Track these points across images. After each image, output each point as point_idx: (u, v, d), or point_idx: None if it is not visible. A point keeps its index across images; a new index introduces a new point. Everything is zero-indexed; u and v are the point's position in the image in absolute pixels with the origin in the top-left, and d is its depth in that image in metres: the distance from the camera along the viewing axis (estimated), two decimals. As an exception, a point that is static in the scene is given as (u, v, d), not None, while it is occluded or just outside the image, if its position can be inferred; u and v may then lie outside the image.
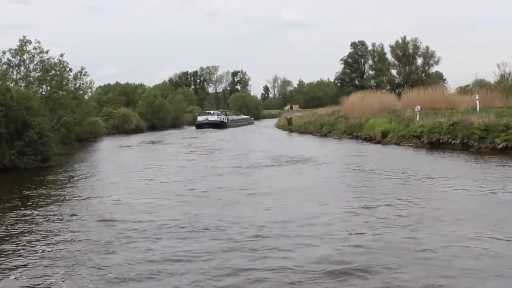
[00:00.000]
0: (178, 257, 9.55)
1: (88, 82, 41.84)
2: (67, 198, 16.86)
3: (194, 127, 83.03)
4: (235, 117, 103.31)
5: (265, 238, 10.68)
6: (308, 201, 14.61)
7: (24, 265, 9.45)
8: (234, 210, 13.63)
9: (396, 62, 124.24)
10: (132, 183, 19.80)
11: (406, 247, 9.73)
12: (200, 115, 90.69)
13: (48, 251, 10.36)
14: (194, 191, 17.19)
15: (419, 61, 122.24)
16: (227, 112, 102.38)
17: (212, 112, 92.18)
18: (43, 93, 35.51)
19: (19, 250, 10.50)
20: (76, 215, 13.83)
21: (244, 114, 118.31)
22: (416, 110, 35.62)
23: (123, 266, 9.14)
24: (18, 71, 35.47)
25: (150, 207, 14.52)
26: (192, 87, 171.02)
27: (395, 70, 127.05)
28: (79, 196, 17.19)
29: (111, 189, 18.47)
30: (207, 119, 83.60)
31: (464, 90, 53.14)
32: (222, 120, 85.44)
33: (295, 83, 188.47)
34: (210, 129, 76.19)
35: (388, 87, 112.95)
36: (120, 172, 23.65)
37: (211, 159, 29.27)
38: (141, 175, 22.18)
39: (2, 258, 9.93)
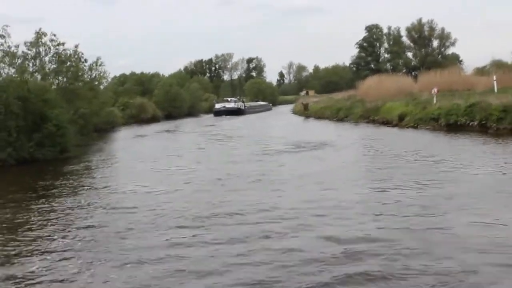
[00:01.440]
0: (195, 245, 9.51)
1: (103, 72, 41.85)
2: (84, 188, 16.92)
3: (210, 115, 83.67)
4: (252, 103, 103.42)
5: (285, 223, 10.62)
6: (327, 186, 14.49)
7: (43, 255, 9.47)
8: (252, 197, 13.54)
9: (412, 44, 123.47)
10: (148, 172, 19.84)
11: (427, 229, 9.64)
12: (217, 102, 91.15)
13: (67, 241, 10.37)
14: (211, 178, 17.13)
15: (435, 43, 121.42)
16: (244, 99, 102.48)
17: (229, 99, 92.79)
18: (60, 84, 35.66)
19: (38, 240, 10.53)
20: (94, 205, 13.87)
21: (262, 101, 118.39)
22: (433, 93, 35.23)
23: (141, 255, 9.11)
24: (34, 63, 35.60)
25: (167, 195, 14.52)
26: (207, 75, 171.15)
27: (411, 53, 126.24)
28: (96, 186, 17.26)
29: (128, 178, 18.50)
30: (224, 106, 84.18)
31: (481, 71, 52.44)
32: (239, 107, 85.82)
33: (310, 69, 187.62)
34: (228, 116, 76.55)
35: (404, 70, 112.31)
36: (137, 161, 23.69)
37: (228, 146, 29.24)
38: (158, 164, 22.18)
39: (21, 248, 9.97)
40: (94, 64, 40.55)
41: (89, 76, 39.59)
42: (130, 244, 9.87)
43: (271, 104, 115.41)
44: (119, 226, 11.25)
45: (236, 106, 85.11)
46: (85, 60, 37.91)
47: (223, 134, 39.01)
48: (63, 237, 10.72)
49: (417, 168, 16.73)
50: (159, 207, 12.93)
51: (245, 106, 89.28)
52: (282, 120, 57.79)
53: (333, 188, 14.31)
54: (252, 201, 13.01)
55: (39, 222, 12.13)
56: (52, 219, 12.42)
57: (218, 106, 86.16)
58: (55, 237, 10.77)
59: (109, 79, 51.11)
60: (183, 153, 26.65)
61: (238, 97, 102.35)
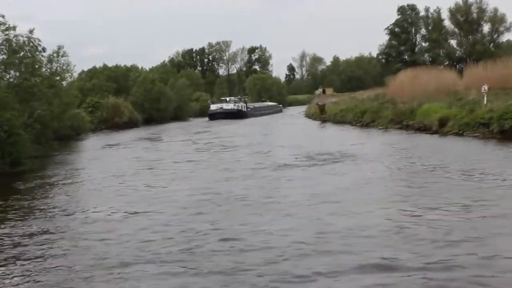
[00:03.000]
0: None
1: (67, 65, 41.83)
2: (39, 212, 16.70)
3: (202, 119, 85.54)
4: (257, 104, 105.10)
5: (289, 264, 10.48)
6: (346, 211, 14.35)
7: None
8: (247, 226, 13.35)
9: (456, 30, 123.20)
10: (120, 192, 19.72)
11: (472, 265, 9.50)
12: (213, 103, 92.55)
13: (13, 281, 10.25)
14: (198, 200, 16.99)
15: (486, 28, 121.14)
16: (247, 99, 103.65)
17: (228, 99, 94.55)
18: (11, 80, 35.50)
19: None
20: (50, 234, 13.70)
21: (269, 101, 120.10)
22: (483, 91, 35.12)
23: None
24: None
25: (143, 223, 14.32)
26: (199, 68, 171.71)
27: (455, 41, 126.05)
28: (55, 209, 17.05)
29: (94, 200, 18.39)
30: (221, 108, 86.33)
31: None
32: (240, 108, 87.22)
33: (328, 61, 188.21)
34: (226, 119, 78.05)
35: (447, 63, 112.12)
36: (106, 178, 23.61)
37: (224, 158, 29.10)
38: (132, 182, 22.09)
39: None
40: (55, 55, 40.51)
41: (48, 70, 39.50)
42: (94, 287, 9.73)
43: (281, 105, 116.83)
44: (80, 263, 11.10)
45: (236, 108, 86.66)
46: (43, 49, 37.78)
47: (218, 143, 38.90)
48: (9, 277, 10.54)
49: (461, 187, 16.57)
50: (130, 238, 12.72)
51: (247, 108, 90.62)
52: (292, 125, 57.94)
53: (355, 212, 14.16)
54: (247, 231, 12.81)
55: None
56: (-4, 252, 12.27)
57: (213, 107, 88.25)
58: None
59: (75, 74, 50.93)
60: (165, 167, 26.51)
61: (239, 97, 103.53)
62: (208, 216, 14.73)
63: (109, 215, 15.62)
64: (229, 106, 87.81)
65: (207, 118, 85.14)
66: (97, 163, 30.28)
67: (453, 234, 11.54)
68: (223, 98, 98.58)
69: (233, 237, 12.27)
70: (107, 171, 26.12)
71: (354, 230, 12.25)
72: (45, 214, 16.42)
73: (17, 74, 35.77)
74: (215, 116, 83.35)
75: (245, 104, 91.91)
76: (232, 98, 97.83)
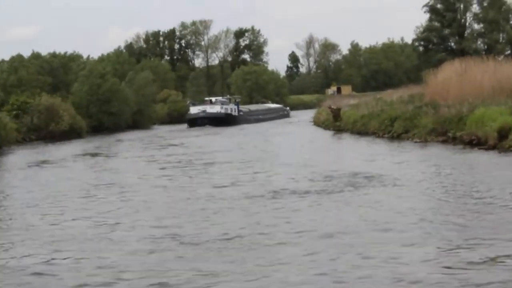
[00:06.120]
0: None
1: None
2: None
3: (170, 127, 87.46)
4: (253, 107, 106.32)
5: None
6: (370, 258, 14.16)
7: None
8: (232, 282, 13.10)
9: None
10: (48, 230, 19.56)
11: None
12: (193, 104, 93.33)
13: None
14: (160, 244, 16.73)
15: None
16: (239, 100, 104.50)
17: (214, 99, 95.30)
18: None
19: None
20: None
21: (271, 102, 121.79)
22: (559, 91, 35.18)
23: None
24: None
25: (72, 275, 14.06)
26: (167, 57, 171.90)
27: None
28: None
29: (10, 241, 18.11)
30: (204, 112, 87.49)
31: None
32: (229, 112, 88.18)
33: (344, 49, 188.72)
34: (211, 127, 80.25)
35: (508, 52, 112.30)
36: (32, 210, 23.54)
37: (202, 184, 28.93)
38: (68, 215, 21.99)
39: None
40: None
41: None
42: None
43: (288, 108, 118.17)
44: None
45: (223, 111, 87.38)
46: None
47: (193, 161, 38.97)
48: None
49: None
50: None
51: (239, 111, 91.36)
52: (297, 136, 58.02)
53: (382, 260, 13.93)
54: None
55: None
56: None
57: (194, 110, 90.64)
58: None
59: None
60: (115, 195, 26.42)
61: (228, 97, 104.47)
62: (169, 263, 14.51)
63: (26, 263, 15.31)
64: (215, 108, 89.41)
65: (178, 126, 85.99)
66: (21, 188, 30.19)
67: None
68: (207, 99, 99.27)
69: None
70: (32, 199, 26.00)
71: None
72: None
73: None
74: (196, 122, 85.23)
75: (236, 107, 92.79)
76: (220, 98, 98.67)
